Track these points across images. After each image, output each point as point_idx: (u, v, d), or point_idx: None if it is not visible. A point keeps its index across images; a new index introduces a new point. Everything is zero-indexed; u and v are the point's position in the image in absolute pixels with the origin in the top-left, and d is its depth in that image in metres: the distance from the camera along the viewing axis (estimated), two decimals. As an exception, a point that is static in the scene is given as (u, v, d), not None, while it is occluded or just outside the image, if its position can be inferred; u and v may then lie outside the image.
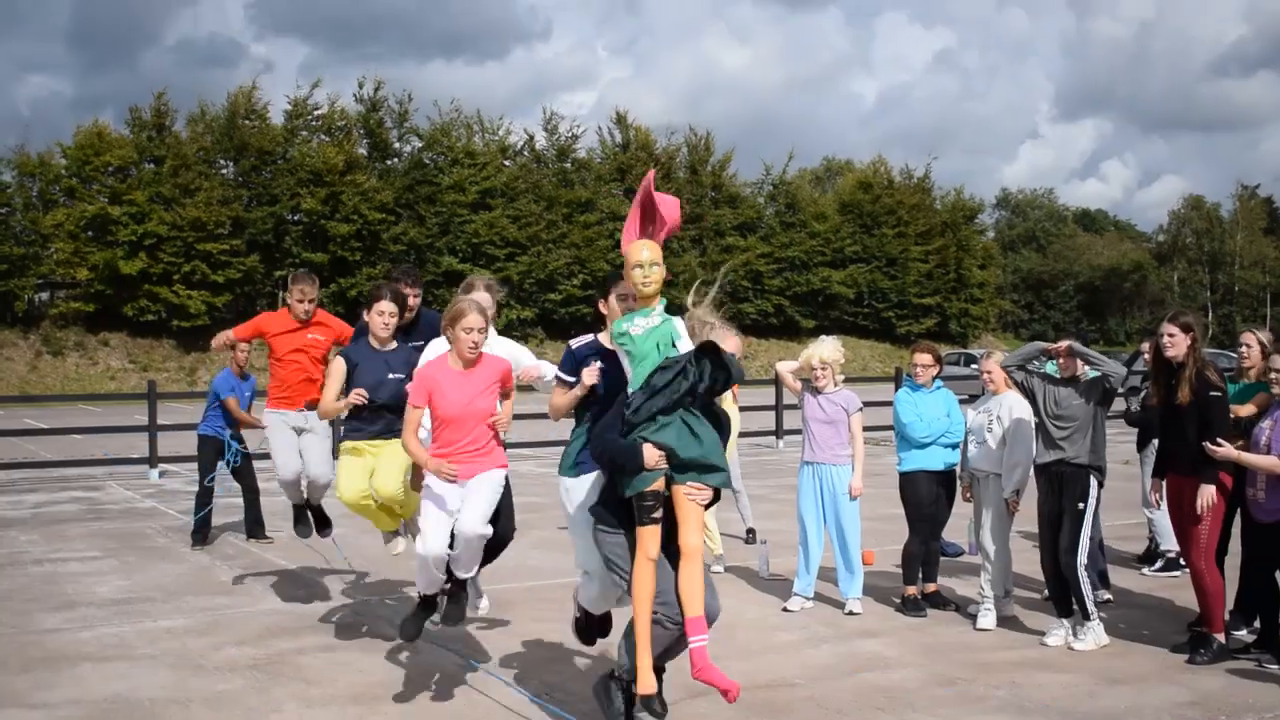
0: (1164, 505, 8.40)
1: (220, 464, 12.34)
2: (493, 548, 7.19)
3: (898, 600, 9.26)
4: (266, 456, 9.00)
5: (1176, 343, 7.74)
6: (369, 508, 7.80)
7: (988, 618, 8.61)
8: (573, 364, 6.23)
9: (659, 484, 5.46)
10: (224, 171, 52.80)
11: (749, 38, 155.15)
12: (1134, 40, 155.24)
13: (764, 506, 13.08)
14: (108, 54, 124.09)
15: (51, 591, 10.04)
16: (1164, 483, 8.08)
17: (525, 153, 59.91)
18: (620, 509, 5.65)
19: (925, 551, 9.24)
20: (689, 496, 5.49)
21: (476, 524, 6.60)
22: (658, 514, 5.50)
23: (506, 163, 58.05)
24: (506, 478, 7.07)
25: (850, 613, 9.05)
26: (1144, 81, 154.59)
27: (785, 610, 9.17)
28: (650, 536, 5.50)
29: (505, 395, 6.88)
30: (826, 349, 9.24)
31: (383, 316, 7.86)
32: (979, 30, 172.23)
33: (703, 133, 64.32)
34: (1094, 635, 7.97)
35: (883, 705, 6.80)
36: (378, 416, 7.73)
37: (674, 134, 64.36)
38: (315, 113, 54.56)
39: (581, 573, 6.35)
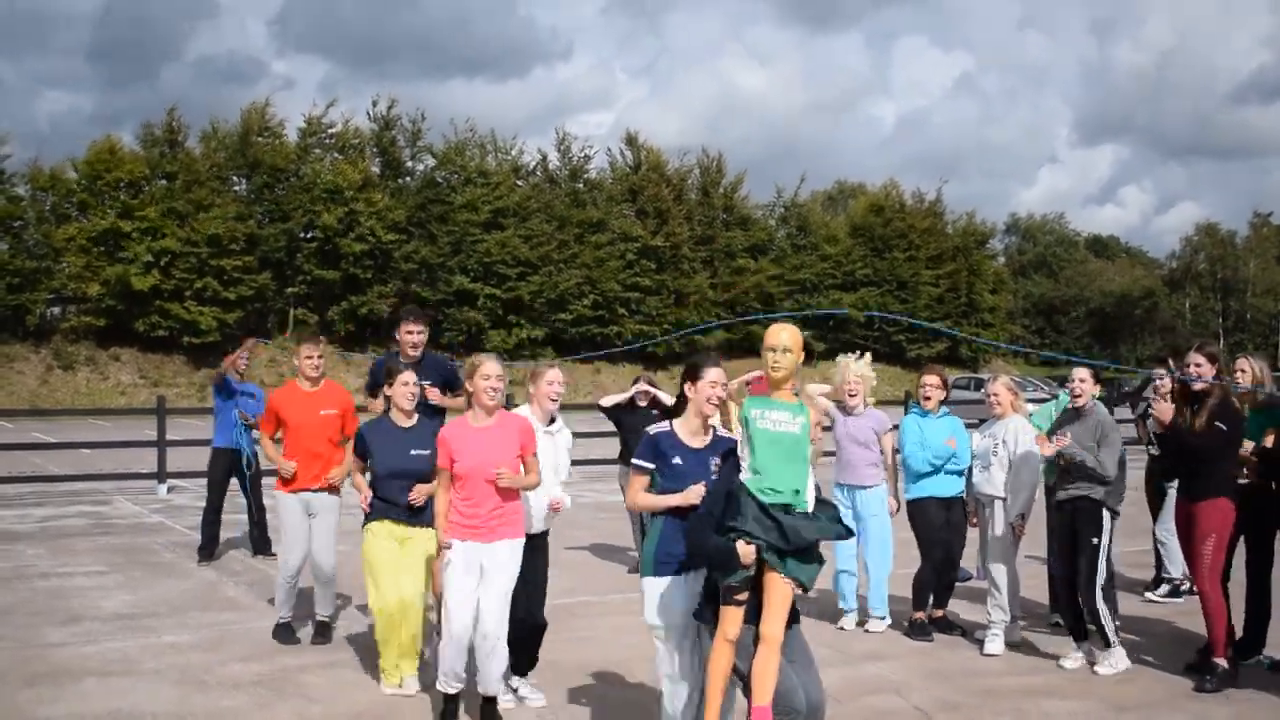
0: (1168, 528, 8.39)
1: (233, 481, 12.36)
2: (526, 640, 7.16)
3: (905, 624, 9.23)
4: (274, 473, 8.98)
5: (1204, 372, 7.77)
6: (398, 628, 7.53)
7: (995, 643, 8.57)
8: (652, 451, 5.95)
9: (745, 552, 5.37)
10: (236, 188, 53.02)
11: (768, 60, 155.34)
12: (1154, 67, 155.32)
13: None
14: (128, 70, 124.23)
15: (57, 606, 10.04)
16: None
17: (538, 173, 60.13)
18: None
19: (937, 579, 9.22)
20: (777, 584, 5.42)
21: (496, 619, 6.63)
22: (744, 596, 5.43)
23: (519, 183, 58.25)
24: (546, 558, 7.15)
25: (869, 630, 9.17)
26: (1163, 108, 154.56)
27: (840, 629, 9.26)
28: (732, 618, 5.44)
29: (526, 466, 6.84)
30: (860, 367, 9.32)
31: (407, 387, 7.78)
32: (999, 54, 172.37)
33: (715, 154, 64.60)
34: (1117, 659, 7.96)
35: (888, 730, 6.76)
36: (403, 492, 7.63)
37: (686, 155, 64.62)
38: (329, 130, 54.84)
39: (665, 682, 6.04)
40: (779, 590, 5.42)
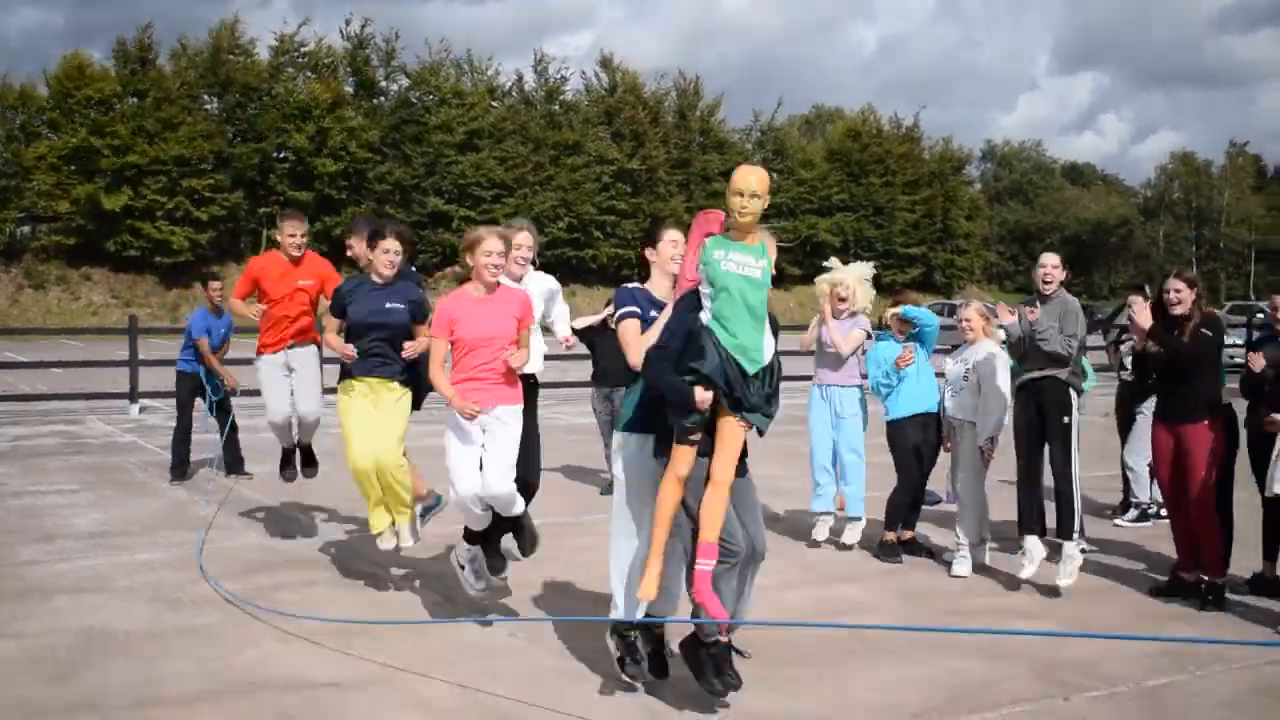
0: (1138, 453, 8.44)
1: (200, 402, 12.32)
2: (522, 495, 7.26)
3: (874, 546, 9.31)
4: (248, 393, 9.00)
5: (1183, 298, 7.80)
6: (374, 483, 7.65)
7: (963, 565, 8.66)
8: (631, 298, 6.05)
9: (701, 396, 5.39)
10: (208, 107, 52.36)
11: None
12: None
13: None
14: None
15: (29, 524, 10.03)
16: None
17: (513, 94, 59.58)
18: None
19: (910, 500, 9.30)
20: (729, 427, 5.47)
21: (502, 485, 6.75)
22: (696, 436, 5.47)
23: (494, 104, 57.71)
24: (536, 418, 7.23)
25: (843, 543, 9.39)
26: (1145, 35, 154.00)
27: (813, 543, 9.50)
28: (683, 456, 5.48)
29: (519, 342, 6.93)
30: (855, 271, 9.58)
31: (388, 254, 7.79)
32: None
33: (691, 78, 64.16)
34: (1074, 563, 8.07)
35: (856, 649, 6.84)
36: (376, 345, 7.66)
37: (663, 78, 64.16)
38: (301, 49, 54.11)
39: (614, 538, 6.13)
40: (731, 432, 5.49)
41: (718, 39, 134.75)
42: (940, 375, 9.17)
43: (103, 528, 9.91)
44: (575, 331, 11.77)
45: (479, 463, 6.79)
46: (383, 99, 56.14)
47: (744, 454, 5.75)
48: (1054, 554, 8.35)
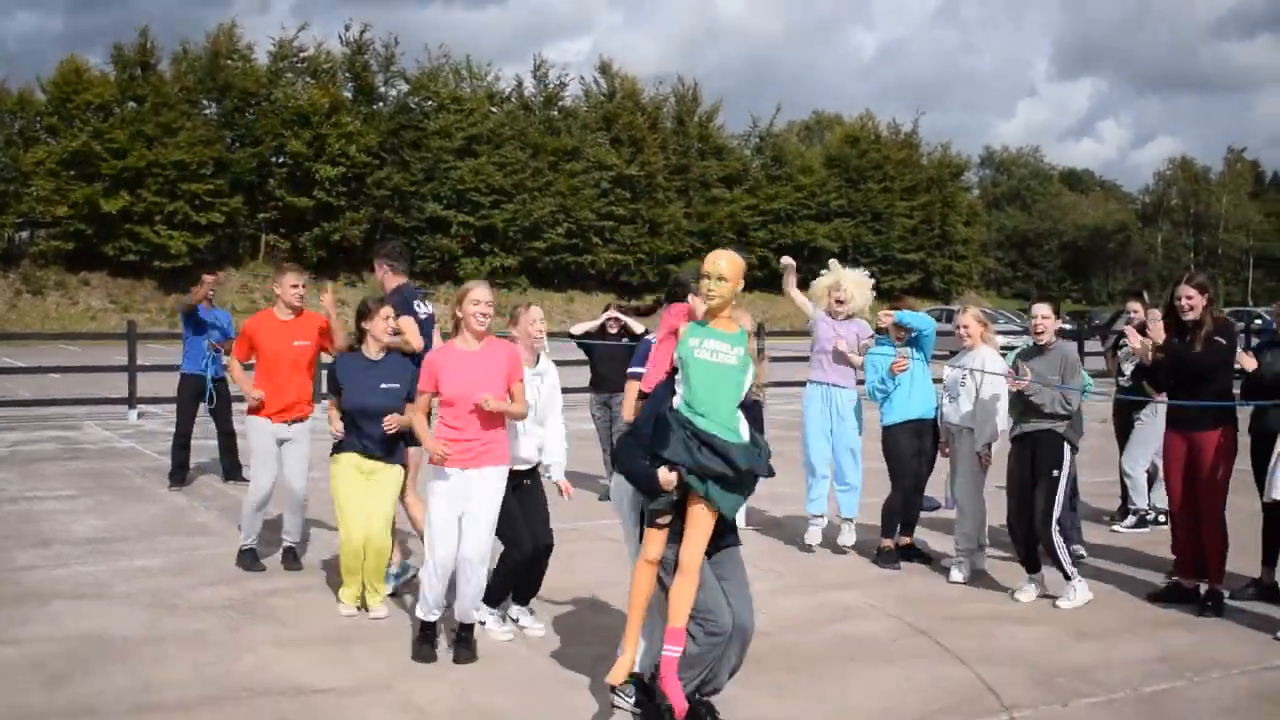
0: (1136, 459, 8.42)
1: (201, 406, 12.32)
2: (536, 561, 7.18)
3: (872, 552, 9.30)
4: (241, 399, 8.95)
5: (1195, 303, 7.77)
6: (361, 560, 7.55)
7: (961, 571, 8.66)
8: (643, 361, 6.06)
9: (665, 478, 5.38)
10: (207, 112, 52.35)
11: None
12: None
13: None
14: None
15: (27, 529, 10.02)
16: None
17: (512, 100, 59.61)
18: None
19: (905, 506, 9.30)
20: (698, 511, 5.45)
21: (478, 545, 6.62)
22: (665, 520, 5.47)
23: (493, 109, 57.71)
24: (538, 480, 7.22)
25: (840, 544, 9.46)
26: (1144, 41, 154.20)
27: (807, 547, 9.53)
28: (654, 539, 5.48)
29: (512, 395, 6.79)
30: (854, 275, 9.65)
31: (387, 321, 7.77)
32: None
33: (690, 83, 64.22)
34: (1079, 593, 8.00)
35: (854, 655, 6.85)
36: (373, 426, 7.58)
37: (662, 83, 64.21)
38: (301, 54, 54.14)
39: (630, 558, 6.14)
40: (699, 518, 5.44)
41: (717, 44, 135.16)
42: (938, 381, 9.17)
43: (101, 533, 9.91)
44: (574, 337, 11.84)
45: (458, 526, 6.63)
46: (382, 104, 56.14)
47: (733, 526, 5.74)
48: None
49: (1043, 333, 8.24)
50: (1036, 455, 8.08)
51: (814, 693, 6.23)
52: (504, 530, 6.89)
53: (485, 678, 6.31)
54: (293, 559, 8.89)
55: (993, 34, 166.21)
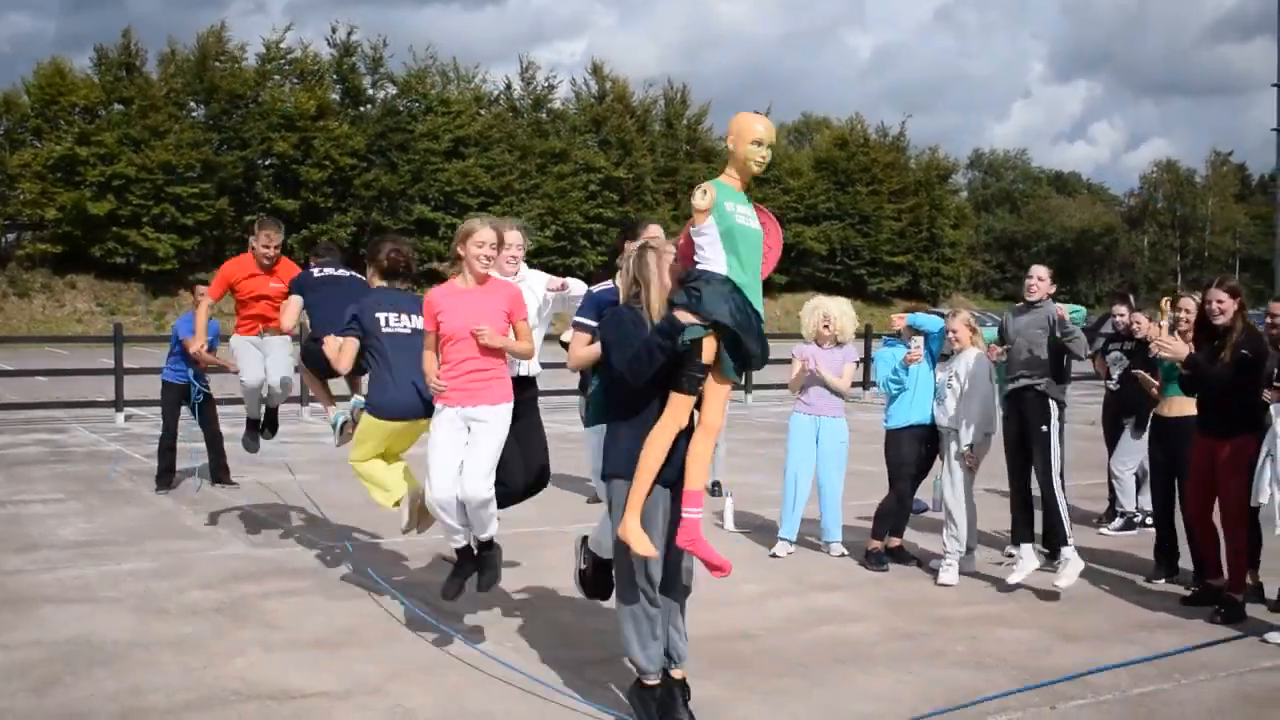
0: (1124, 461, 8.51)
1: (185, 410, 12.28)
2: (535, 485, 7.32)
3: (860, 554, 9.32)
4: (230, 401, 9.00)
5: (1226, 309, 7.74)
6: (375, 465, 7.58)
7: (949, 573, 8.68)
8: (594, 310, 6.08)
9: (709, 346, 5.28)
10: (194, 114, 52.23)
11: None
12: (1135, 2, 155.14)
13: (731, 460, 13.12)
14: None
15: (14, 533, 9.99)
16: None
17: (500, 102, 59.59)
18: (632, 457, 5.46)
19: (900, 510, 9.32)
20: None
21: (478, 487, 6.55)
22: (703, 383, 5.37)
23: (481, 111, 57.67)
24: (536, 409, 7.21)
25: (840, 555, 9.42)
26: (1140, 44, 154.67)
27: (774, 556, 9.41)
28: (684, 405, 5.38)
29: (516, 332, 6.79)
30: (838, 305, 9.60)
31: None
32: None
33: (680, 85, 64.27)
34: (1073, 565, 8.12)
35: (843, 658, 6.85)
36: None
37: (652, 86, 64.18)
38: (288, 56, 54.05)
39: (603, 520, 6.18)
40: (715, 382, 5.43)
41: (712, 46, 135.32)
42: None
43: (88, 537, 9.88)
44: (564, 344, 11.82)
45: (459, 466, 6.58)
46: (369, 106, 56.08)
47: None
48: (1046, 562, 8.43)
49: (1034, 290, 8.49)
50: (1025, 414, 8.37)
51: (802, 695, 6.23)
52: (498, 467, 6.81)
53: (476, 682, 6.31)
54: (270, 424, 9.83)
55: (988, 37, 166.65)
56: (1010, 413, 8.56)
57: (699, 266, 5.42)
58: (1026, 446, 8.43)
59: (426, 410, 7.03)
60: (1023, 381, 8.37)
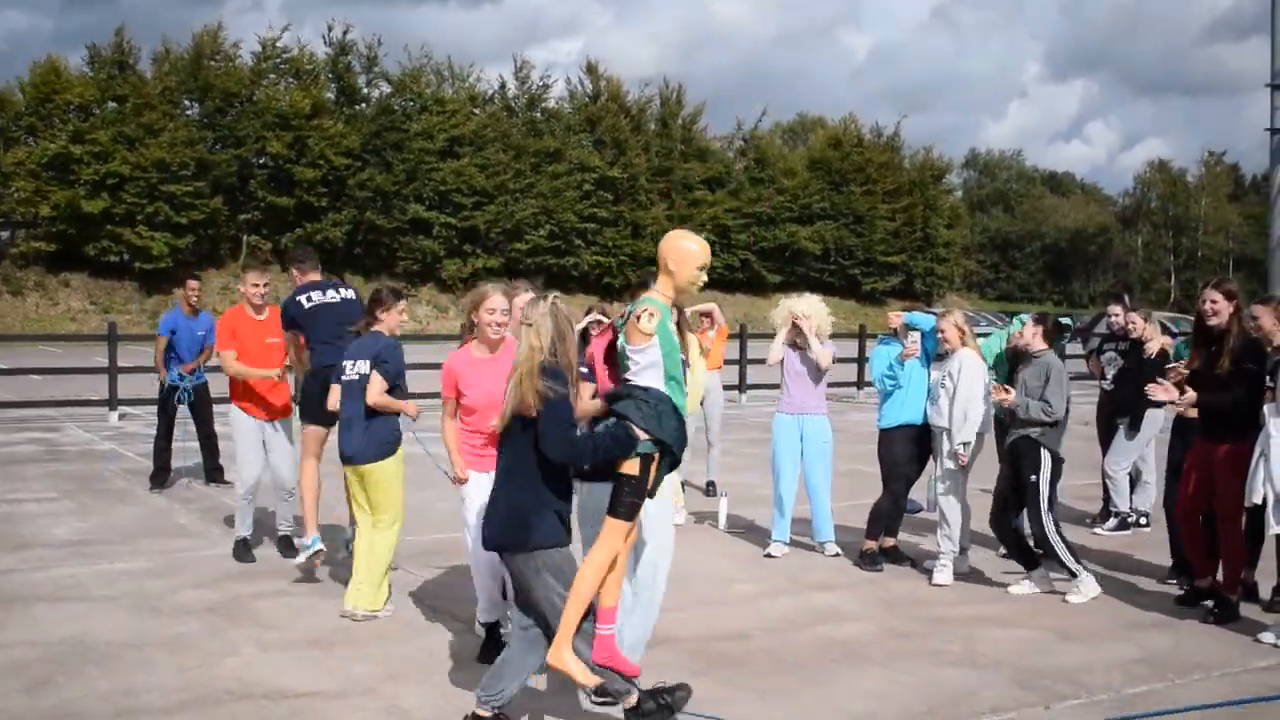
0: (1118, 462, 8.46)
1: (181, 409, 12.26)
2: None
3: (855, 554, 9.32)
4: (222, 400, 8.98)
5: (1220, 309, 7.68)
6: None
7: (944, 573, 8.69)
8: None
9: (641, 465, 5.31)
10: (189, 112, 52.12)
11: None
12: (1131, 1, 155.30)
13: (725, 460, 13.12)
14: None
15: (7, 532, 9.97)
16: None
17: (495, 101, 59.52)
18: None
19: (895, 510, 9.32)
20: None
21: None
22: (639, 508, 5.38)
23: (475, 111, 57.58)
24: None
25: (834, 554, 9.41)
26: (1136, 44, 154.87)
27: (768, 556, 9.40)
28: (620, 531, 5.34)
29: None
30: (805, 304, 9.49)
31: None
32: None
33: (675, 85, 64.21)
34: (1087, 587, 8.16)
35: (838, 658, 6.86)
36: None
37: (647, 85, 64.15)
38: (284, 55, 53.97)
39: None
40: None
41: (707, 45, 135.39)
42: None
43: (82, 536, 9.87)
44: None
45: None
46: (364, 105, 55.99)
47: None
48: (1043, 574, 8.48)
49: (1027, 345, 8.45)
50: (1017, 462, 8.32)
51: (797, 695, 6.24)
52: None
53: (470, 681, 6.30)
54: (286, 546, 9.12)
55: (984, 37, 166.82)
56: (1008, 459, 8.47)
57: (632, 380, 5.46)
58: (1016, 495, 8.39)
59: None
60: (1017, 433, 8.31)
